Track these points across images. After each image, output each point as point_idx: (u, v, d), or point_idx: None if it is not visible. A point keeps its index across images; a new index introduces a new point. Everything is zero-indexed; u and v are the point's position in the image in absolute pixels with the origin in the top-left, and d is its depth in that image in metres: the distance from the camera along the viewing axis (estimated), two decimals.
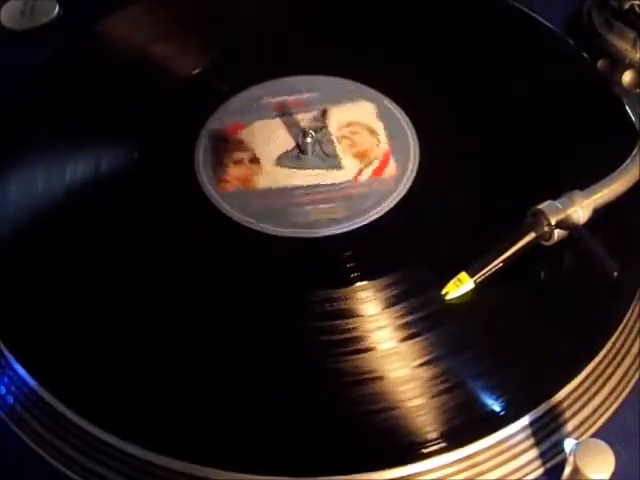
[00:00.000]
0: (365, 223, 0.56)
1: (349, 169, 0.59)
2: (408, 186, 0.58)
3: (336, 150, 0.60)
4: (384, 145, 0.60)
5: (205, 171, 0.59)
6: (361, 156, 0.60)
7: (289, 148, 0.60)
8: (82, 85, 0.64)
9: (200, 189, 0.58)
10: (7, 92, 0.64)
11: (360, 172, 0.59)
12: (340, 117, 0.62)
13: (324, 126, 0.61)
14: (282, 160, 0.60)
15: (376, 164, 0.59)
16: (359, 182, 0.58)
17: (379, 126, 0.61)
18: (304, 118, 0.62)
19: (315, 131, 0.59)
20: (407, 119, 0.62)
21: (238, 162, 0.60)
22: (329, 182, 0.58)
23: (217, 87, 0.64)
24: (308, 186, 0.58)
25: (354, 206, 0.57)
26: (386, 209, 0.57)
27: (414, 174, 0.59)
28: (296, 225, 0.56)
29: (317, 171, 0.59)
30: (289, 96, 0.63)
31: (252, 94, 0.63)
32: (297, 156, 0.60)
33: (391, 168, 0.59)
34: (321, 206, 0.57)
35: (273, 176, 0.59)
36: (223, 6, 0.69)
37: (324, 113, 0.62)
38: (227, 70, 0.65)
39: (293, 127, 0.61)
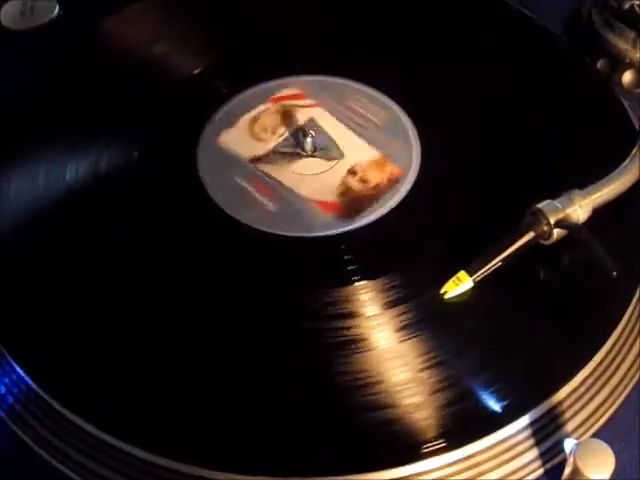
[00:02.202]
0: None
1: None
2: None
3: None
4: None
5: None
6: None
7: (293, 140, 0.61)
8: (82, 85, 0.64)
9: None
10: (7, 92, 0.64)
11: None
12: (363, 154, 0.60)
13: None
14: (280, 144, 0.60)
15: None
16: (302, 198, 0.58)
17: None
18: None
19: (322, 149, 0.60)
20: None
21: (264, 129, 0.61)
22: (286, 184, 0.58)
23: (217, 87, 0.64)
24: (270, 175, 0.59)
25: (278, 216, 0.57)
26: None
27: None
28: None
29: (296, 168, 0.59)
30: (360, 107, 0.63)
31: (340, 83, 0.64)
32: (292, 150, 0.60)
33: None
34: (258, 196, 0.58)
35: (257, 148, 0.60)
36: (223, 6, 0.69)
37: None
38: (227, 70, 0.65)
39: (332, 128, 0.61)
